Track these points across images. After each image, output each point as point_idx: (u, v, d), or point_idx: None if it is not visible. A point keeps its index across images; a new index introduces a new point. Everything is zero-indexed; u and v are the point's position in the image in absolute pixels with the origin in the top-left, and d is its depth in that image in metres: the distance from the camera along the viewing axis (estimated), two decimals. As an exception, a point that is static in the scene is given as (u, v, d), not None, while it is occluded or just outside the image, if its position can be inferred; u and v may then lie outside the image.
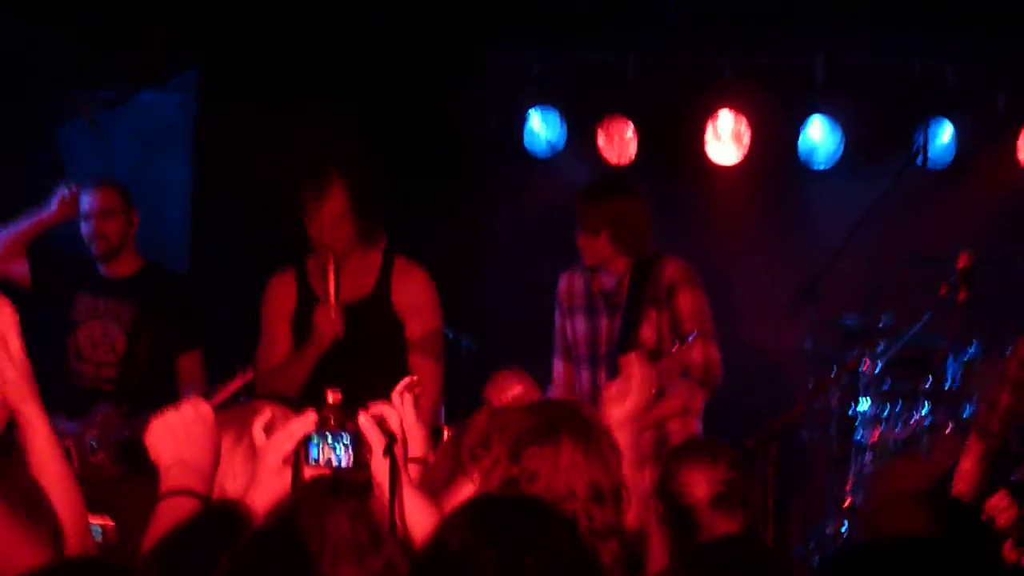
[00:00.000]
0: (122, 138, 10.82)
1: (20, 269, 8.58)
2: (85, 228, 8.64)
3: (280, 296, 7.81)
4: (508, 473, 4.69)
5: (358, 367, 7.32)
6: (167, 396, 8.02)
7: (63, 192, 8.71)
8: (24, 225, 8.75)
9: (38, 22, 9.77)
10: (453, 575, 3.54)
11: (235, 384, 7.68)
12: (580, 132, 11.14)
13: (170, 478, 4.35)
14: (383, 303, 7.61)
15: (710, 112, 10.92)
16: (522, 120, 11.24)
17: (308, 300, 7.69)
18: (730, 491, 5.66)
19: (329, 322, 7.41)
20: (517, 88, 11.26)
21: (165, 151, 10.93)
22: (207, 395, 7.92)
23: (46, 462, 4.37)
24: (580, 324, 8.35)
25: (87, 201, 8.66)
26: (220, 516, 4.18)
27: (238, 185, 10.28)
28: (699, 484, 5.78)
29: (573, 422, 4.78)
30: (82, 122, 10.63)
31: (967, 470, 7.47)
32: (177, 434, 4.41)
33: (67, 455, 6.34)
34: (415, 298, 7.74)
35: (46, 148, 10.57)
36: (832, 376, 9.40)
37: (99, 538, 5.17)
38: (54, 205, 8.70)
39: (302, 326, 7.65)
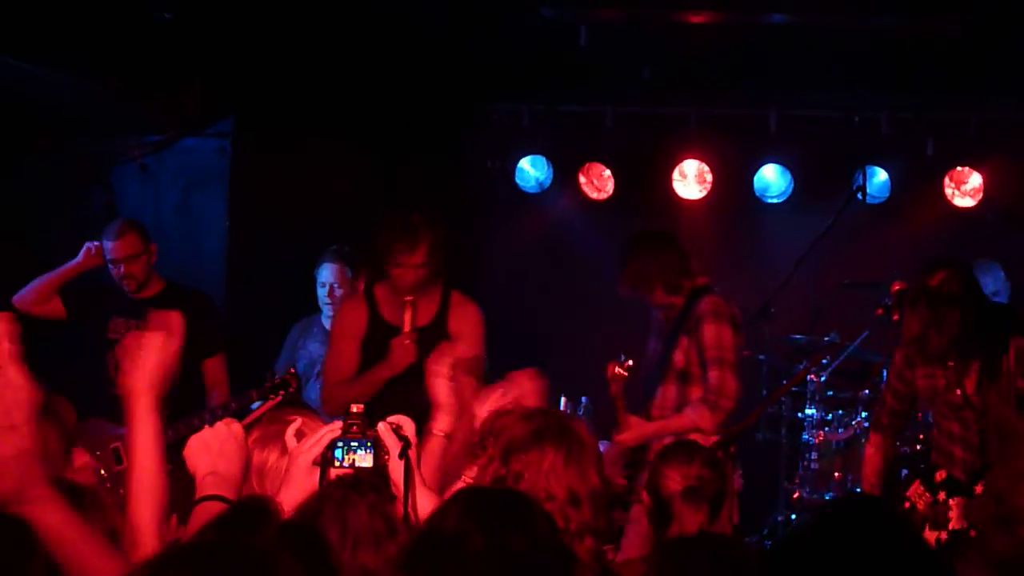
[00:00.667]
0: (166, 178, 10.94)
1: (55, 307, 8.74)
2: (114, 271, 8.72)
3: (353, 320, 7.81)
4: (498, 473, 4.76)
5: (417, 384, 6.99)
6: (198, 398, 8.48)
7: (89, 246, 8.79)
8: (56, 274, 8.83)
9: (93, 76, 9.65)
10: (446, 553, 3.62)
11: (267, 406, 7.87)
12: (564, 173, 11.29)
13: (205, 487, 4.50)
14: (441, 331, 7.62)
15: (677, 157, 11.10)
16: (514, 163, 11.41)
17: (377, 326, 7.73)
18: (700, 486, 5.71)
19: (404, 349, 7.49)
20: (510, 136, 11.41)
21: (204, 190, 10.90)
22: (237, 402, 8.13)
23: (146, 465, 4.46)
24: (649, 345, 8.37)
25: (112, 249, 8.70)
26: (250, 508, 4.12)
27: (269, 221, 10.42)
28: (674, 479, 5.82)
29: (558, 433, 4.82)
30: (132, 165, 10.86)
31: (870, 455, 7.88)
32: (212, 449, 4.60)
33: (116, 455, 6.70)
34: (466, 327, 7.77)
35: (101, 187, 10.79)
36: (783, 386, 9.75)
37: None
38: (81, 256, 8.84)
39: (369, 348, 7.71)
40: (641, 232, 8.63)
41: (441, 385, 5.75)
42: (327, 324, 9.21)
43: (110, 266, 8.75)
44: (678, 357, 8.07)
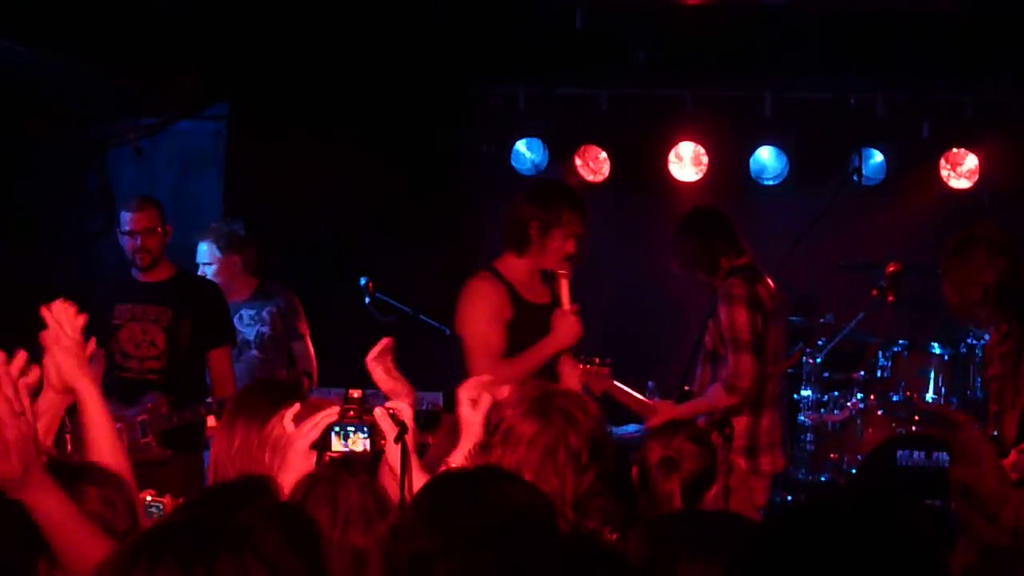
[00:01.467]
0: (162, 162, 11.00)
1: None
2: (129, 243, 8.61)
3: (498, 302, 7.56)
4: (496, 458, 4.82)
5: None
6: (202, 387, 8.46)
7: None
8: None
9: (88, 60, 9.70)
10: (430, 521, 3.65)
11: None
12: (560, 156, 11.27)
13: None
14: (554, 307, 7.54)
15: (673, 139, 11.11)
16: (510, 145, 11.39)
17: (522, 305, 7.58)
18: (677, 458, 5.68)
19: (571, 324, 7.40)
20: (506, 119, 11.44)
21: (199, 173, 11.03)
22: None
23: (100, 436, 4.46)
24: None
25: (130, 220, 8.63)
26: (247, 486, 4.13)
27: (263, 203, 10.40)
28: (655, 450, 5.83)
29: (541, 410, 4.89)
30: (127, 148, 10.91)
31: None
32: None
33: (119, 436, 6.71)
34: (563, 301, 7.61)
35: (97, 171, 10.77)
36: (779, 367, 9.24)
37: (160, 513, 5.01)
38: None
39: (516, 327, 7.56)
40: (690, 212, 8.68)
41: (469, 414, 5.41)
42: None
43: (126, 239, 8.66)
44: (707, 340, 8.10)
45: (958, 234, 7.16)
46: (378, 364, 5.56)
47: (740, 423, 7.83)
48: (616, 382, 7.94)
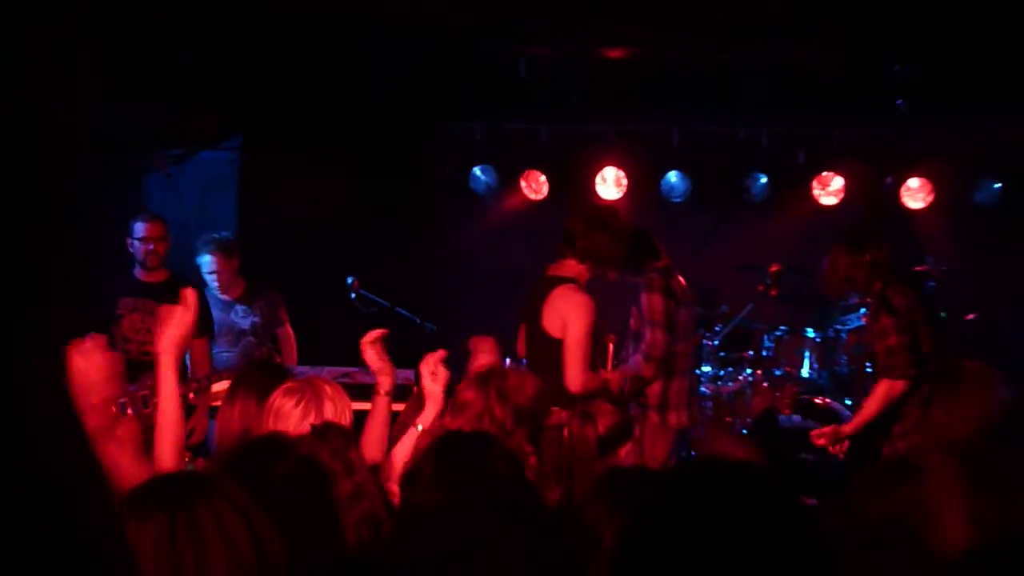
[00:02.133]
0: (187, 184, 10.98)
1: None
2: (142, 247, 8.55)
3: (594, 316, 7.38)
4: (447, 421, 5.03)
5: None
6: (184, 368, 8.19)
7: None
8: None
9: (127, 102, 9.88)
10: (428, 483, 3.63)
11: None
12: (508, 178, 11.22)
13: None
14: None
15: (599, 165, 11.04)
16: (468, 169, 11.30)
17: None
18: (593, 413, 5.55)
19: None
20: (464, 149, 11.31)
21: (218, 193, 10.96)
22: (218, 373, 7.68)
23: (168, 408, 4.38)
24: None
25: (146, 228, 8.59)
26: (269, 441, 4.01)
27: (269, 216, 10.33)
28: (578, 407, 5.75)
29: (485, 379, 5.06)
30: (159, 173, 10.94)
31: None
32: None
33: (123, 408, 6.63)
34: None
35: (134, 191, 10.79)
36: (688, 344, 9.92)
37: (194, 467, 5.02)
38: None
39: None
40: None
41: (431, 385, 5.46)
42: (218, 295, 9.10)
43: (138, 243, 8.59)
44: (632, 322, 8.03)
45: (845, 235, 7.52)
46: (371, 347, 5.51)
47: (656, 386, 7.86)
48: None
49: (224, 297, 9.11)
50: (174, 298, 8.38)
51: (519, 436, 4.89)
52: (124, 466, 3.78)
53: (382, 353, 5.55)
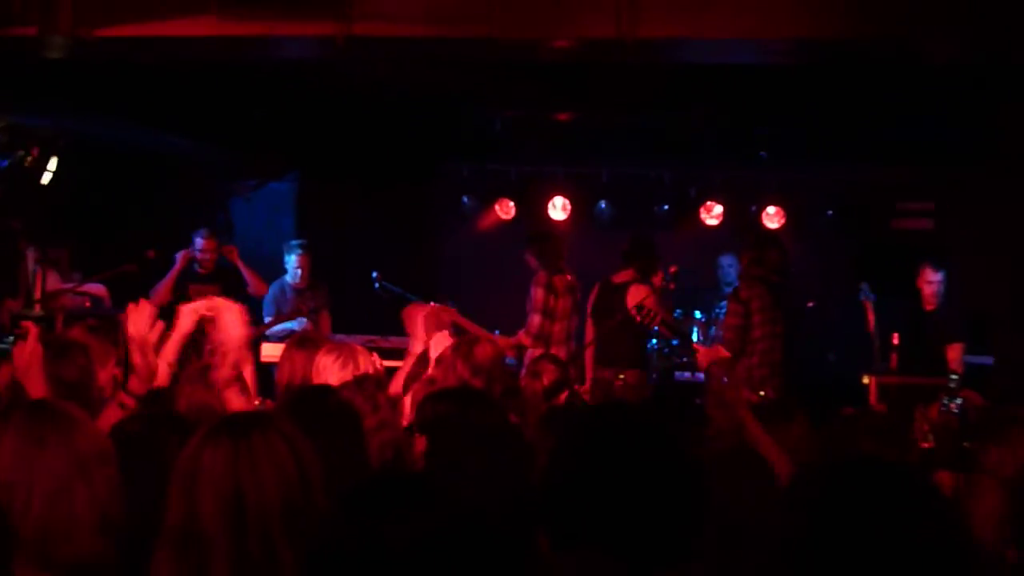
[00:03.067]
0: (260, 206, 10.96)
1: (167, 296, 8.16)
2: (200, 255, 8.59)
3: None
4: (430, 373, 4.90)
5: None
6: None
7: (177, 255, 8.50)
8: (169, 278, 8.39)
9: (217, 145, 9.94)
10: (432, 426, 3.45)
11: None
12: (487, 204, 11.01)
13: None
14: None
15: (551, 195, 10.87)
16: (458, 198, 11.09)
17: None
18: (539, 370, 5.51)
19: None
20: (456, 182, 11.10)
21: (283, 213, 10.90)
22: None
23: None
24: None
25: (201, 244, 8.61)
26: (318, 389, 3.98)
27: (320, 232, 10.00)
28: (528, 366, 5.97)
29: (462, 344, 4.87)
30: (241, 198, 10.98)
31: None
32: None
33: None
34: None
35: (222, 212, 10.79)
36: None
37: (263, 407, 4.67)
38: (177, 262, 8.46)
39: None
40: (543, 235, 8.57)
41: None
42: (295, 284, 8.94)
43: (198, 252, 8.61)
44: (527, 306, 7.98)
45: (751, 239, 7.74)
46: (424, 321, 5.34)
47: (536, 353, 7.45)
48: (459, 316, 7.58)
49: (299, 286, 9.02)
50: (226, 282, 8.43)
51: (493, 389, 4.66)
52: (235, 403, 3.81)
53: (429, 328, 5.35)
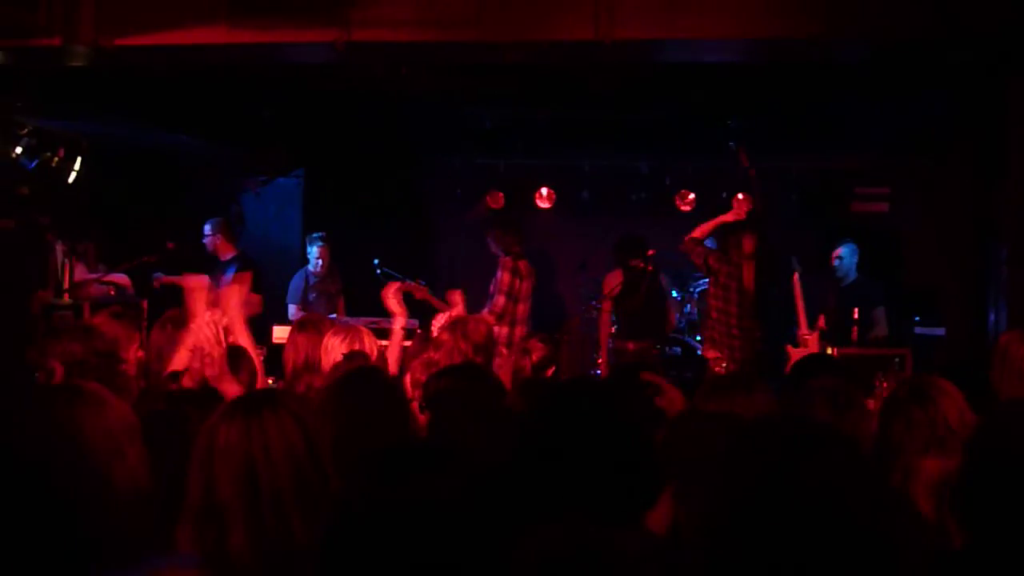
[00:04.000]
0: (269, 200, 10.89)
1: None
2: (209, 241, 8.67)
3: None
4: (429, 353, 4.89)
5: None
6: None
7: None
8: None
9: (231, 145, 9.84)
10: (438, 399, 3.43)
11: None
12: (478, 195, 10.99)
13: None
14: None
15: (539, 185, 10.94)
16: (452, 191, 11.13)
17: None
18: (531, 348, 5.57)
19: None
20: (450, 175, 11.15)
21: (290, 206, 10.88)
22: None
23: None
24: None
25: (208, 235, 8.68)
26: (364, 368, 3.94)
27: (325, 224, 9.82)
28: (520, 346, 5.97)
29: (455, 325, 4.98)
30: (250, 192, 10.87)
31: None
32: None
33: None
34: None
35: (236, 204, 10.71)
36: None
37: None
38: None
39: None
40: (499, 223, 8.62)
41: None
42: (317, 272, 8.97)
43: (206, 239, 8.70)
44: (491, 287, 8.06)
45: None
46: (392, 296, 5.46)
47: (502, 330, 7.76)
48: (428, 294, 7.63)
49: (320, 274, 9.00)
50: (240, 265, 8.37)
51: (480, 362, 4.73)
52: (230, 391, 3.77)
53: (400, 301, 5.49)
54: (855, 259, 8.28)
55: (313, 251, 9.00)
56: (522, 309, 8.07)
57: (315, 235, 9.09)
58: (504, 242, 8.10)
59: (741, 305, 7.71)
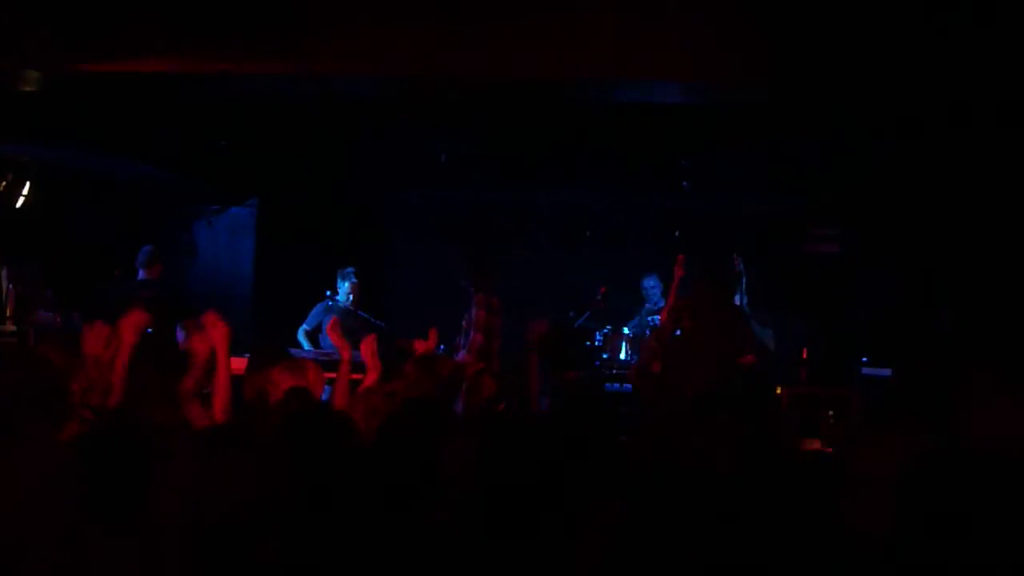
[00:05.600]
0: (221, 229, 10.84)
1: None
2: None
3: None
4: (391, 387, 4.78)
5: None
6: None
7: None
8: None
9: (184, 174, 9.75)
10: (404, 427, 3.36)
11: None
12: (434, 229, 10.93)
13: None
14: None
15: (491, 221, 10.86)
16: (407, 224, 11.12)
17: None
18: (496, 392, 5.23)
19: None
20: (405, 210, 11.17)
21: (242, 236, 10.82)
22: None
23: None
24: None
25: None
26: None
27: (277, 254, 10.12)
28: (487, 387, 5.48)
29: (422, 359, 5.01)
30: (203, 221, 10.80)
31: None
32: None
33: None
34: None
35: (186, 233, 10.70)
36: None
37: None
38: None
39: None
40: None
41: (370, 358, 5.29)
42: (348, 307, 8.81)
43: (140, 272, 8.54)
44: (464, 324, 8.00)
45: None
46: (332, 333, 5.38)
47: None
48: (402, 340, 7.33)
49: (351, 308, 8.82)
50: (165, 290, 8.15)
51: (448, 396, 4.76)
52: (197, 416, 3.80)
53: (341, 337, 5.36)
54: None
55: (344, 286, 8.87)
56: (496, 345, 8.00)
57: (348, 270, 8.92)
58: (481, 282, 8.08)
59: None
